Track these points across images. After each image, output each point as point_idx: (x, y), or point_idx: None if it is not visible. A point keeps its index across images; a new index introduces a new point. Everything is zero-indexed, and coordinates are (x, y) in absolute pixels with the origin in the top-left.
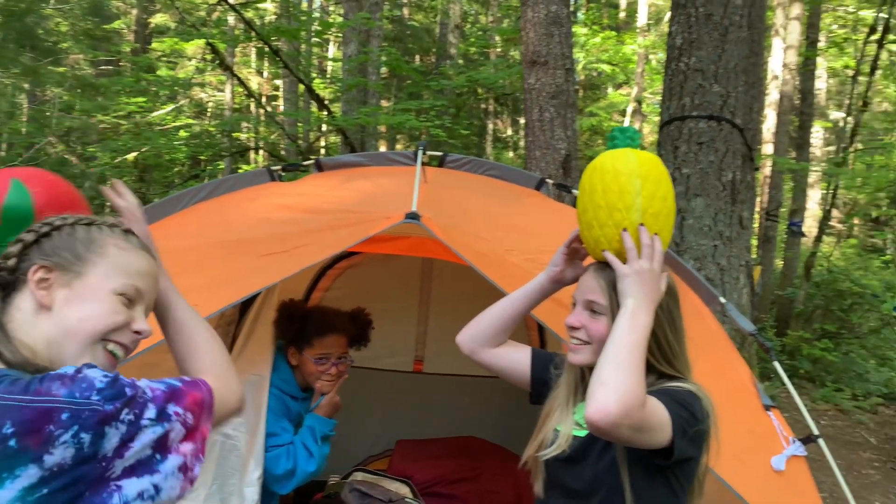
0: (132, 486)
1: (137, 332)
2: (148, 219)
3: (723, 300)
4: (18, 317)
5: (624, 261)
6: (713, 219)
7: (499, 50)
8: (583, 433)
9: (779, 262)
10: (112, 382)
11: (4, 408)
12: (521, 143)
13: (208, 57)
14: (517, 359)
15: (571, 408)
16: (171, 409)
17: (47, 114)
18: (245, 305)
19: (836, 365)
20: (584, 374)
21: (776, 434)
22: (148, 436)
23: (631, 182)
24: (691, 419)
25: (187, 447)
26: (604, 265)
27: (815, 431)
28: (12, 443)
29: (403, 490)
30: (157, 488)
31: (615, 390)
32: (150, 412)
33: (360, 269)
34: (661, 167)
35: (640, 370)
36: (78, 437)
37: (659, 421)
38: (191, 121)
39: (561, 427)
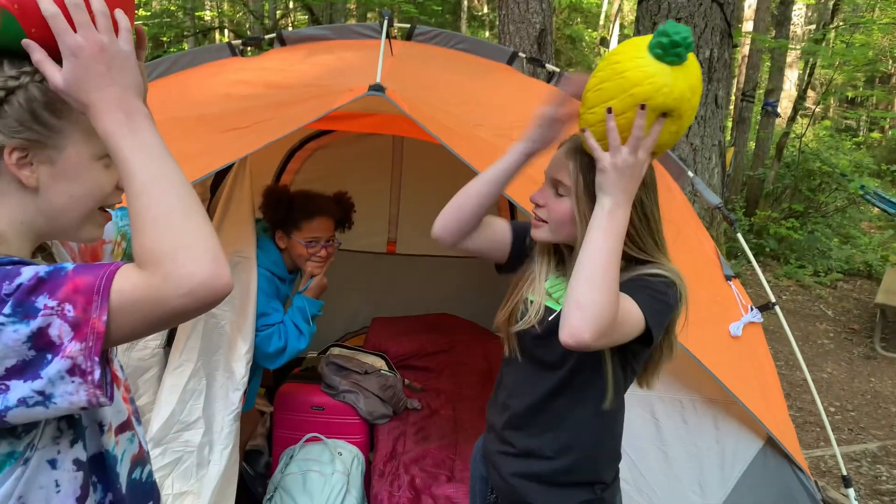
0: (17, 389)
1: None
2: None
3: (691, 174)
4: None
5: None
6: None
7: None
8: (557, 306)
9: (751, 144)
10: None
11: None
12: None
13: None
14: (497, 237)
15: (543, 278)
16: (40, 301)
17: None
18: (213, 185)
19: (800, 243)
20: (557, 248)
21: (735, 303)
22: (9, 335)
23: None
24: (665, 310)
25: (74, 347)
26: (578, 147)
27: (773, 299)
28: None
29: (379, 363)
30: (44, 395)
31: (589, 313)
32: (7, 308)
33: (330, 151)
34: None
35: (614, 282)
36: None
37: (633, 322)
38: None
39: (533, 297)
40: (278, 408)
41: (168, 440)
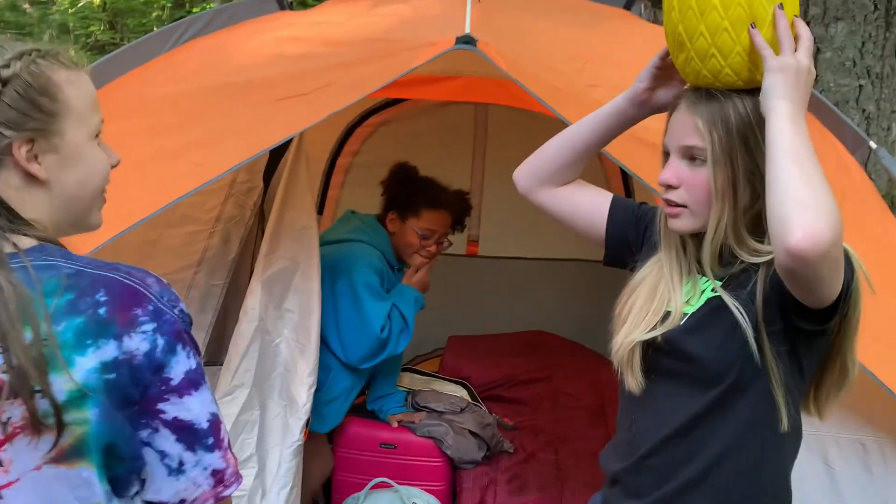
0: (165, 441)
1: (113, 166)
2: (126, 62)
3: (873, 145)
4: (11, 195)
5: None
6: (859, 50)
7: None
8: (693, 307)
9: None
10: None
11: (96, 277)
12: None
13: None
14: (588, 204)
15: (679, 282)
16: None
17: None
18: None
19: None
20: (684, 242)
21: None
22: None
23: None
24: (849, 271)
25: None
26: (699, 97)
27: None
28: (103, 311)
29: (460, 393)
30: (181, 465)
31: (820, 208)
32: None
33: (396, 126)
34: None
35: (828, 185)
36: (155, 337)
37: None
38: None
39: (672, 307)
40: (338, 445)
41: None
